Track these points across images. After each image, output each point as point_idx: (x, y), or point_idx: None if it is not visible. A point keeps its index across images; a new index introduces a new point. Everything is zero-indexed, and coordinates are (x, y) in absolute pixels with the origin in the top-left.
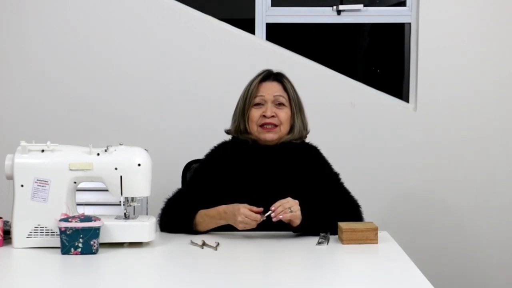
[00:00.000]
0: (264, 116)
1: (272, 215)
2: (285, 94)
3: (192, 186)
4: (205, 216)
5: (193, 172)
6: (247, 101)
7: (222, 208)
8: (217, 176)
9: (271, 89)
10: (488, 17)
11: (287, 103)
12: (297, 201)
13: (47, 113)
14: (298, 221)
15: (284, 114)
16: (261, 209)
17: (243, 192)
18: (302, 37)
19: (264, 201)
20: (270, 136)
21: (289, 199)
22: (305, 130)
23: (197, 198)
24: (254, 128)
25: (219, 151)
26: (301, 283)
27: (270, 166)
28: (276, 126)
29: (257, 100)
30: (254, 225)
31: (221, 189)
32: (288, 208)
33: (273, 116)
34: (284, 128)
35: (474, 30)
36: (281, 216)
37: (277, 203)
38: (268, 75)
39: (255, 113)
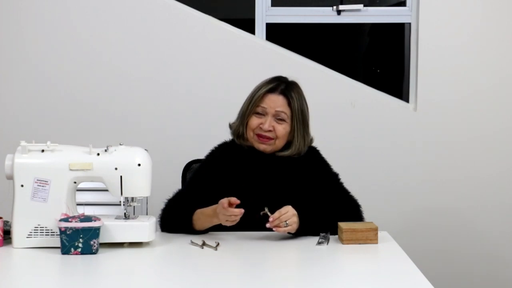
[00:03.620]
0: (261, 128)
1: (268, 225)
2: (288, 110)
3: (192, 187)
4: (201, 215)
5: (193, 172)
6: (249, 107)
7: (215, 206)
8: (217, 177)
9: (274, 103)
10: (488, 17)
11: (288, 119)
12: (295, 213)
13: (47, 113)
14: (294, 229)
15: (282, 129)
16: (237, 201)
17: (242, 195)
18: (302, 37)
19: (263, 204)
20: (263, 147)
21: (288, 210)
22: (305, 146)
23: (197, 199)
24: (250, 135)
25: (219, 152)
26: (301, 283)
27: (269, 170)
28: (271, 139)
29: (259, 109)
30: (233, 217)
31: (221, 191)
32: (284, 222)
33: (270, 130)
34: (279, 142)
35: (474, 30)
36: (274, 229)
37: (276, 214)
38: (276, 87)
39: (254, 121)
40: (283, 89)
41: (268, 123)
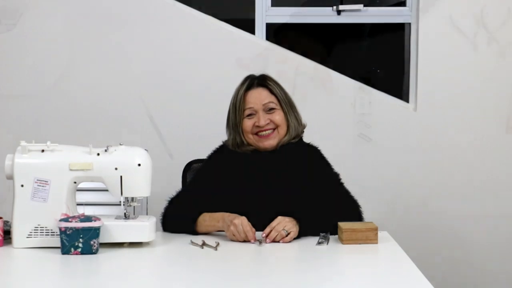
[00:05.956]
0: (258, 126)
1: (268, 240)
2: (273, 98)
3: (196, 187)
4: (209, 217)
5: (196, 172)
6: (237, 113)
7: (227, 213)
8: (219, 177)
9: (258, 98)
10: (488, 17)
11: (278, 106)
12: (288, 219)
13: (47, 113)
14: (296, 232)
15: (278, 116)
16: (254, 231)
17: (245, 194)
18: (302, 37)
19: (265, 204)
20: (269, 144)
21: (279, 221)
22: (300, 126)
23: (201, 199)
24: (249, 137)
25: (221, 152)
26: (301, 283)
27: (271, 169)
28: (273, 130)
29: (248, 112)
30: (241, 237)
31: (224, 191)
32: (282, 230)
33: (267, 124)
34: (282, 130)
35: (474, 30)
36: (282, 241)
37: (267, 229)
38: (252, 83)
39: (248, 123)
40: (258, 82)
41: (262, 118)
